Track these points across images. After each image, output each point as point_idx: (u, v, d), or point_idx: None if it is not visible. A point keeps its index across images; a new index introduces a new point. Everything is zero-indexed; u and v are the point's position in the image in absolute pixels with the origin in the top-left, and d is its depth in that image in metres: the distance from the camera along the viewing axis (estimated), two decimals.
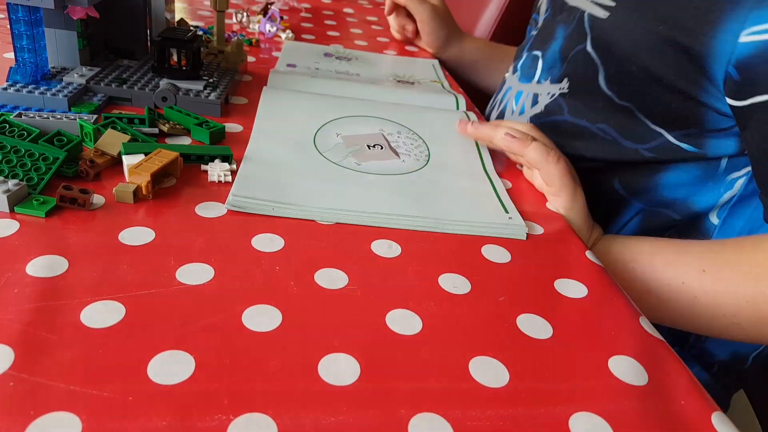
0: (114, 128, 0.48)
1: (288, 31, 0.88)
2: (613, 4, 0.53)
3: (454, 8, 1.28)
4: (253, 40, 0.82)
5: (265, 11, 0.92)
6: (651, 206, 0.58)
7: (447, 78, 0.82)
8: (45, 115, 0.49)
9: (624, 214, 0.59)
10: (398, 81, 0.75)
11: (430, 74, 0.82)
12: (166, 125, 0.53)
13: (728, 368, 0.62)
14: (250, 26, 0.89)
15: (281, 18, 0.93)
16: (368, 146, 0.55)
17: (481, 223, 0.46)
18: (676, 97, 0.51)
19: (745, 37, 0.45)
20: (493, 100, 0.75)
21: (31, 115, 0.48)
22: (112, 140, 0.46)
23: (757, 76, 0.45)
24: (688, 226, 0.57)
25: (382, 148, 0.55)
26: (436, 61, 0.88)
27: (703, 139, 0.52)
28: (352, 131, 0.57)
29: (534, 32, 0.70)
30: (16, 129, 0.45)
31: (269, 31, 0.86)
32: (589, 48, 0.55)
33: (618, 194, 0.59)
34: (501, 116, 0.70)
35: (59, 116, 0.49)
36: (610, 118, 0.55)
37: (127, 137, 0.47)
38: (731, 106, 0.48)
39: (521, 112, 0.65)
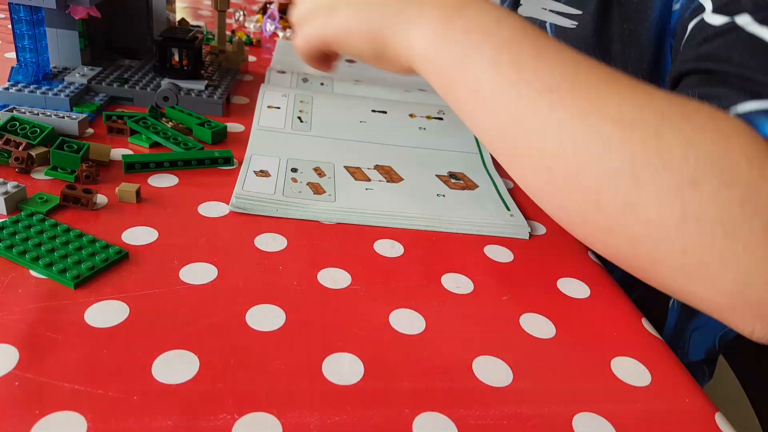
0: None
1: (288, 30, 0.88)
2: (579, 12, 0.51)
3: None
4: (254, 40, 0.82)
5: (263, 10, 0.92)
6: None
7: None
8: (48, 113, 0.49)
9: None
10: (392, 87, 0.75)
11: None
12: (169, 124, 0.53)
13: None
14: (247, 24, 0.89)
15: (281, 17, 0.93)
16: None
17: (482, 222, 0.46)
18: None
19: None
20: None
21: (36, 112, 0.48)
22: (101, 150, 0.46)
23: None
24: None
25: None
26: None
27: None
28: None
29: None
30: (28, 126, 0.45)
31: (268, 30, 0.86)
32: None
33: None
34: None
35: (61, 115, 0.49)
36: None
37: (109, 146, 0.46)
38: None
39: None
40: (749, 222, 0.26)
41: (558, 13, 0.52)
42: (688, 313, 0.59)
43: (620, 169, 0.28)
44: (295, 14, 0.44)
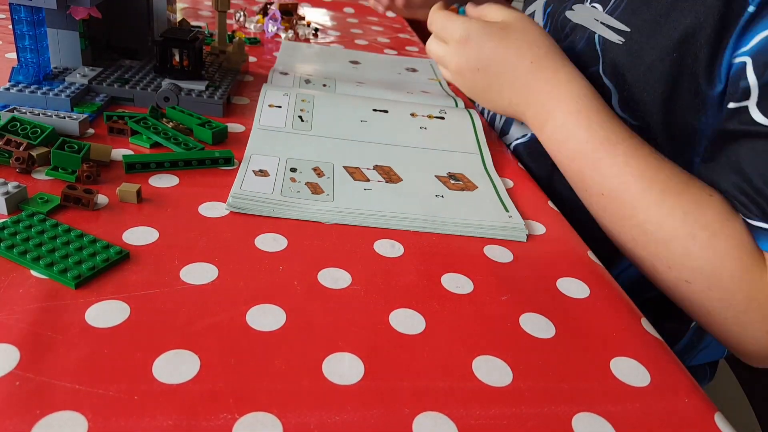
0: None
1: (290, 31, 0.88)
2: (627, 29, 0.51)
3: None
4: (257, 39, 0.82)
5: (264, 11, 0.92)
6: None
7: None
8: (49, 113, 0.49)
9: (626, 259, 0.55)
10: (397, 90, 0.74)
11: (428, 72, 0.83)
12: (169, 125, 0.53)
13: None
14: (247, 25, 0.89)
15: (282, 17, 0.93)
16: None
17: (479, 224, 0.46)
18: (687, 125, 0.49)
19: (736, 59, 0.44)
20: None
21: (37, 112, 0.49)
22: (102, 151, 0.46)
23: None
24: None
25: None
26: (433, 60, 0.88)
27: None
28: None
29: None
30: (29, 126, 0.45)
31: (270, 31, 0.86)
32: (601, 72, 0.53)
33: None
34: (508, 126, 0.66)
35: (62, 115, 0.49)
36: None
37: (109, 147, 0.46)
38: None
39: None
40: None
41: (607, 26, 0.53)
42: (700, 334, 0.59)
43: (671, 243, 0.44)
44: (437, 53, 0.62)
